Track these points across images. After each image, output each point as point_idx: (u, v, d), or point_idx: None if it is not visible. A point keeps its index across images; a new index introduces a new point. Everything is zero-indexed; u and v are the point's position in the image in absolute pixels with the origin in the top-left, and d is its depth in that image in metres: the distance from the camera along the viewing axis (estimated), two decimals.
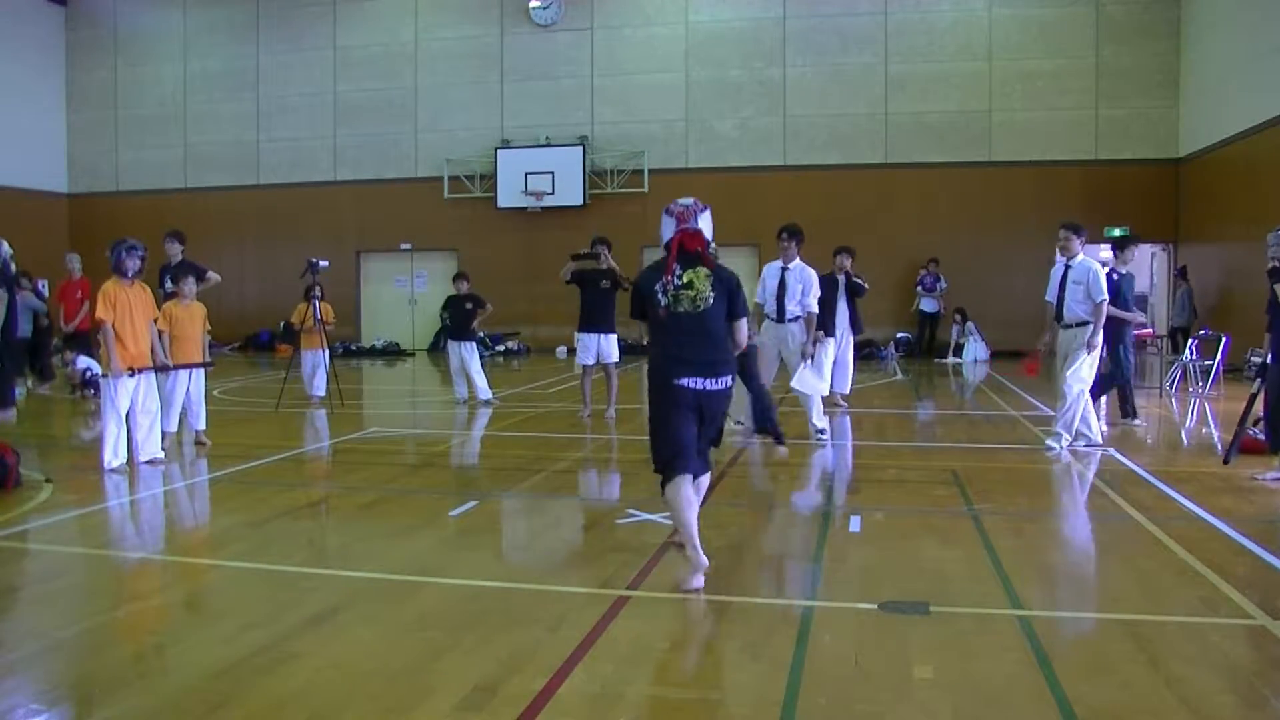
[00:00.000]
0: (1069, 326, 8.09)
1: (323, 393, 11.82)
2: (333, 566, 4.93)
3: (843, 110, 20.02)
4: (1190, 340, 13.78)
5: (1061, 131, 19.21)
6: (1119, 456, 7.85)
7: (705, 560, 4.44)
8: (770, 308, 8.89)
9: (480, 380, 11.78)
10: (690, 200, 4.76)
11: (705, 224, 4.71)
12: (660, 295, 4.62)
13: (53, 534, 5.59)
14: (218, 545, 5.54)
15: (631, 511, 5.85)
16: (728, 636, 3.99)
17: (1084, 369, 8.01)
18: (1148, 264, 21.23)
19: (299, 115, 22.39)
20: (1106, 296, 8.01)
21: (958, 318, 19.01)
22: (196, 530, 6.15)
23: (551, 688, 3.31)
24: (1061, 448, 8.06)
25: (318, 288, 12.11)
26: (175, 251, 9.59)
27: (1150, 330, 17.28)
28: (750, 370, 7.82)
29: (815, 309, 8.77)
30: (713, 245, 4.83)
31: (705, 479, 4.86)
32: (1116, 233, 19.51)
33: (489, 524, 6.20)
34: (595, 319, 10.19)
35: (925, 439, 9.52)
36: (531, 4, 21.11)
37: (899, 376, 15.78)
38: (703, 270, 4.60)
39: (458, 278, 12.39)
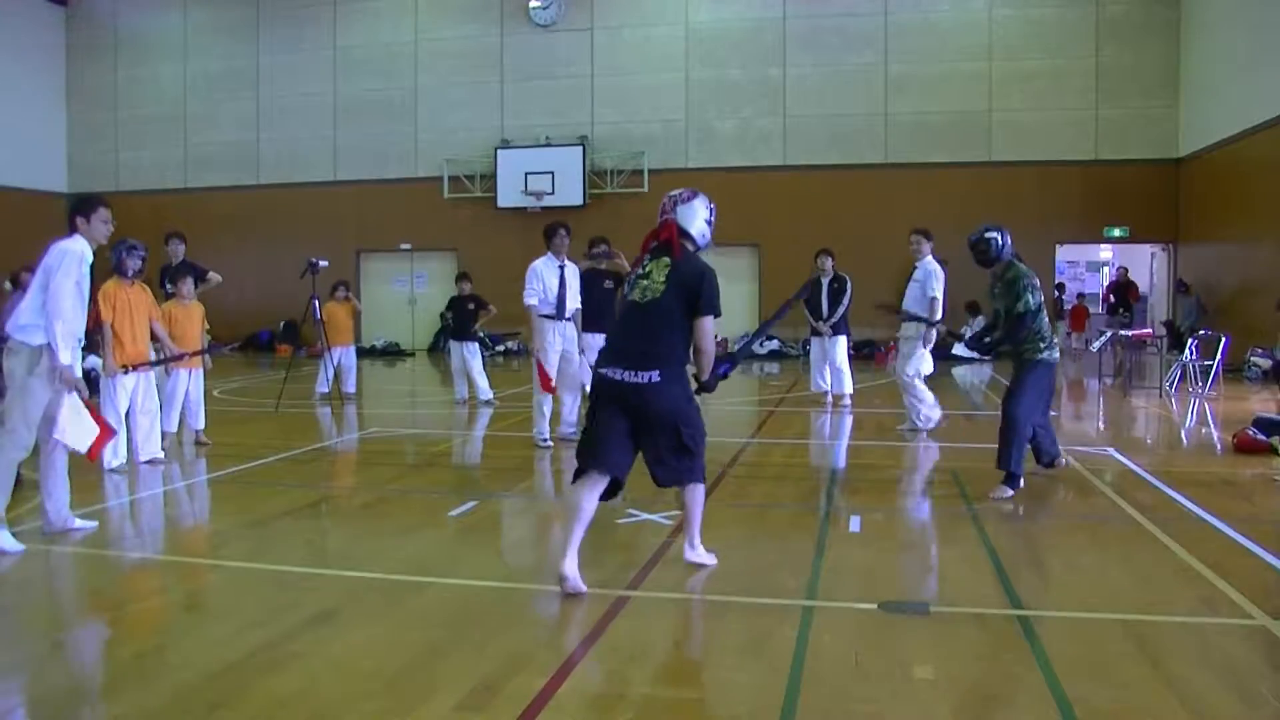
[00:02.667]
0: (905, 320, 9.02)
1: (351, 389, 12.39)
2: (333, 566, 4.92)
3: (843, 110, 20.01)
4: (1190, 340, 13.78)
5: (1061, 131, 19.20)
6: (1119, 456, 7.84)
7: (570, 575, 4.23)
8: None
9: (481, 380, 11.80)
10: (679, 190, 4.61)
11: (687, 213, 4.50)
12: (627, 285, 4.53)
13: (53, 534, 5.58)
14: (218, 545, 5.54)
15: (632, 512, 5.85)
16: (728, 636, 3.99)
17: (918, 360, 8.89)
18: (1148, 264, 21.25)
19: (299, 115, 22.38)
20: (938, 295, 8.79)
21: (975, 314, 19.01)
22: (196, 530, 6.15)
23: (551, 688, 3.31)
24: (921, 431, 8.96)
25: (343, 288, 12.69)
26: (179, 252, 9.60)
27: (1150, 330, 17.28)
28: (1011, 392, 6.53)
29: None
30: (704, 235, 4.54)
31: (692, 492, 4.55)
32: (1116, 233, 19.59)
33: (489, 524, 6.20)
34: (603, 319, 10.04)
35: (925, 439, 9.51)
36: (531, 4, 21.11)
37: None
38: (664, 260, 4.40)
39: (460, 278, 12.44)
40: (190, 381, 8.50)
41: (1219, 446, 8.59)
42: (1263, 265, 15.39)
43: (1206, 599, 4.27)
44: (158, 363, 7.97)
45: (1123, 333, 14.56)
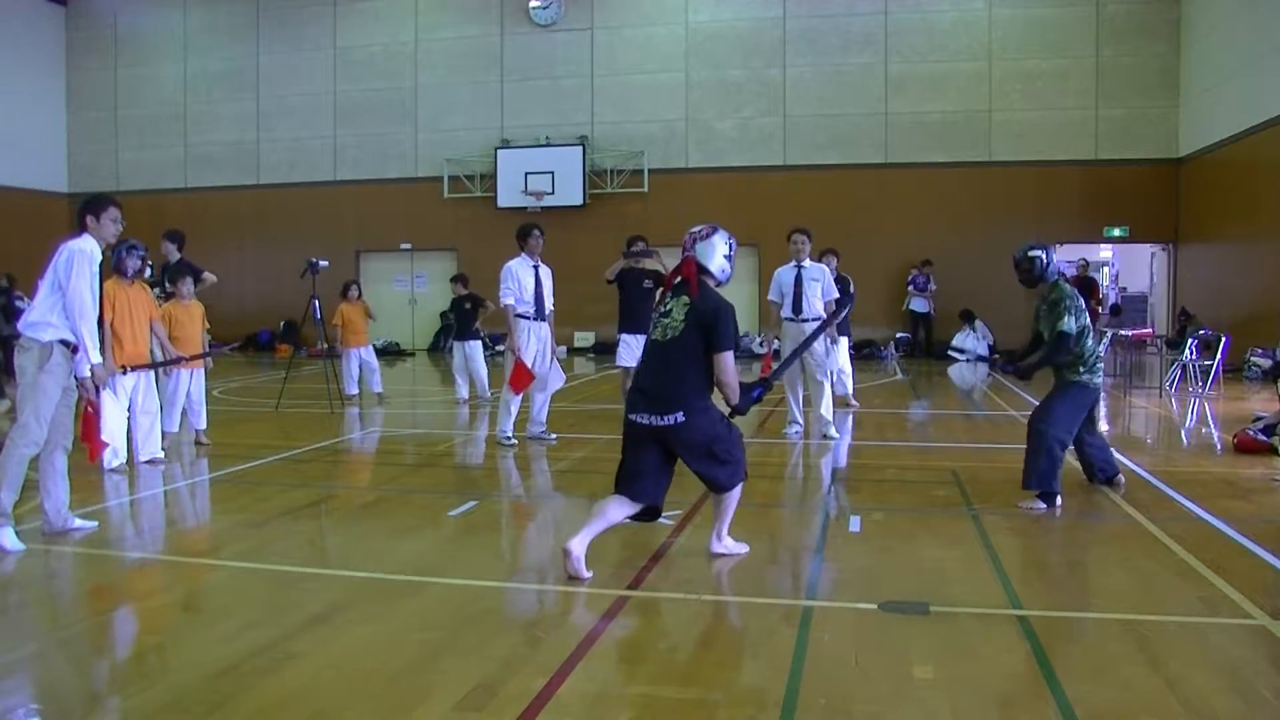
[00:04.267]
0: (806, 321, 8.84)
1: (352, 390, 12.29)
2: (333, 566, 4.93)
3: (843, 110, 20.01)
4: (1190, 340, 13.78)
5: (1061, 131, 19.19)
6: (1119, 456, 7.82)
7: (575, 554, 4.45)
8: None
9: (482, 380, 11.80)
10: (699, 227, 4.75)
11: (706, 250, 4.65)
12: (651, 323, 4.67)
13: (53, 534, 5.58)
14: (218, 545, 5.54)
15: None
16: (728, 636, 3.99)
17: (834, 359, 9.39)
18: (1148, 264, 21.25)
19: (299, 115, 22.38)
20: (838, 294, 9.14)
21: (972, 321, 18.92)
22: (197, 530, 6.14)
23: (551, 688, 3.31)
24: (834, 433, 8.94)
25: (355, 288, 12.65)
26: (170, 251, 9.61)
27: (1150, 330, 17.27)
28: (1041, 407, 6.27)
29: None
30: (724, 270, 4.70)
31: (728, 497, 4.76)
32: (1116, 233, 19.59)
33: (489, 524, 6.20)
34: (641, 319, 9.79)
35: (925, 439, 9.52)
36: (531, 4, 21.11)
37: (899, 376, 15.78)
38: (684, 299, 4.56)
39: (454, 279, 12.47)
40: (191, 382, 8.50)
41: (1219, 446, 8.59)
42: (1263, 265, 15.39)
43: (1206, 599, 4.27)
44: (157, 365, 7.97)
45: (1123, 333, 14.55)
